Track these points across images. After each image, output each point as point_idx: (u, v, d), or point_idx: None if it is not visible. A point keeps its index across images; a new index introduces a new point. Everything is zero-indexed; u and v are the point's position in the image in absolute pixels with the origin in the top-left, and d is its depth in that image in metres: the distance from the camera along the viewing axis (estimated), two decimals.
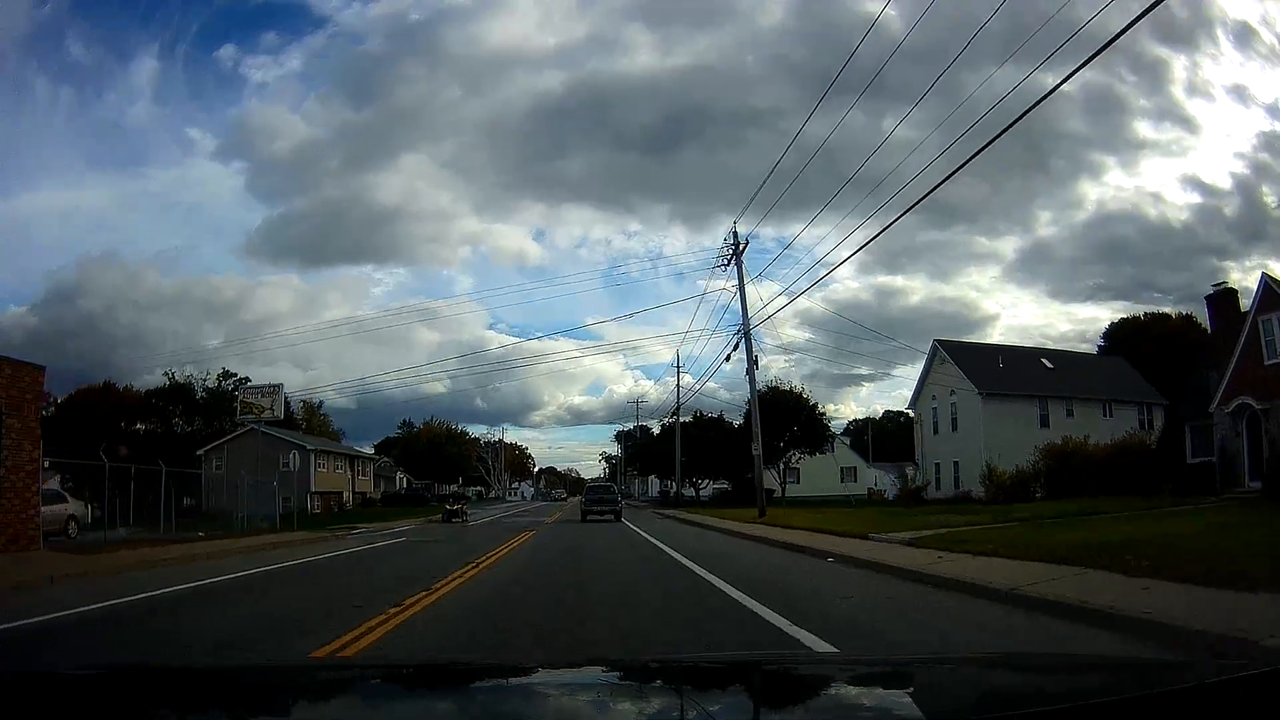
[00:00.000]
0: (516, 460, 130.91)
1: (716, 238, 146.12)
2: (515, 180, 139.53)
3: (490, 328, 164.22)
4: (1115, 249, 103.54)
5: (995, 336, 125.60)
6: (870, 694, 2.42)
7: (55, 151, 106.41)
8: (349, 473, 57.87)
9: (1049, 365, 56.48)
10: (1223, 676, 1.95)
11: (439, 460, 71.24)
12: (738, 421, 64.40)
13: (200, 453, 60.08)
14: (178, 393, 66.64)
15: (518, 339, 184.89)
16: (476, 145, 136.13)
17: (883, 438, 79.94)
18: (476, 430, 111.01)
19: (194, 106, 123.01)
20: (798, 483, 72.24)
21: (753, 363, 30.08)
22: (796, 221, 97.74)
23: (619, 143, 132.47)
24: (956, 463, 49.96)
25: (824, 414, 55.72)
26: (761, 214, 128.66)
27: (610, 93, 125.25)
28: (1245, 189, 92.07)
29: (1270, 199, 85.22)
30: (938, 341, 52.10)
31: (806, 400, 53.59)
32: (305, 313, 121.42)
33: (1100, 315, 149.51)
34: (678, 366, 55.75)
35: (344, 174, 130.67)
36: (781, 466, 56.60)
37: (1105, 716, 1.73)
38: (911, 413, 55.47)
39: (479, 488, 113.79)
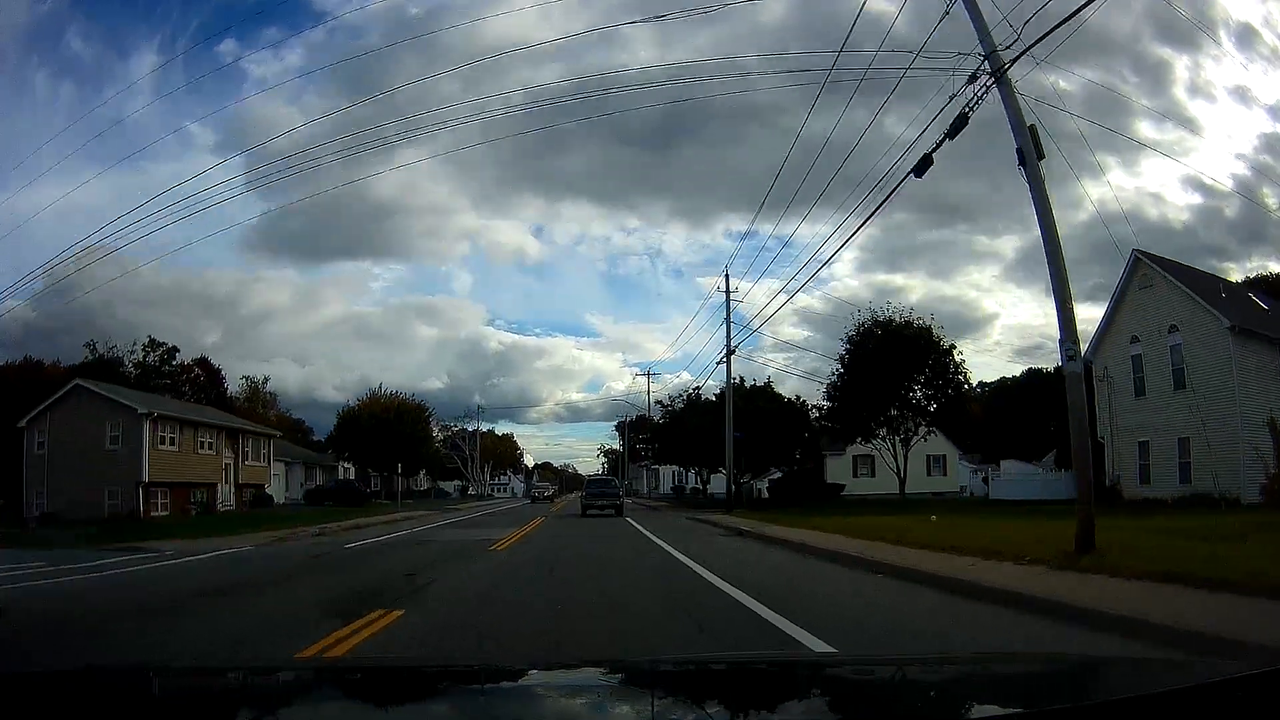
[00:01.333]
0: (503, 452, 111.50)
1: (716, 234, 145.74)
2: (513, 175, 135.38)
3: (489, 324, 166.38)
4: (1114, 249, 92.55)
5: (995, 336, 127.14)
6: (872, 693, 2.35)
7: (54, 147, 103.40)
8: (228, 455, 38.54)
9: (1264, 306, 37.59)
10: (1222, 676, 1.91)
11: (388, 443, 52.12)
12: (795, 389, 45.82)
13: (22, 424, 41.30)
14: (102, 367, 57.03)
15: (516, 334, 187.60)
16: (474, 140, 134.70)
17: None
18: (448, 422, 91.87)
19: (193, 101, 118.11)
20: (872, 475, 53.32)
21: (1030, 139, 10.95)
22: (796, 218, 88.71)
23: (618, 138, 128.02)
24: (1184, 440, 30.94)
25: (962, 360, 35.99)
26: (761, 212, 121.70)
27: (609, 87, 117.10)
28: (1246, 190, 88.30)
29: (1271, 200, 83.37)
30: (1140, 253, 32.98)
31: (938, 339, 34.34)
32: (302, 308, 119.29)
33: (1098, 315, 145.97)
34: (727, 288, 35.94)
35: (342, 168, 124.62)
36: (896, 441, 36.64)
37: (1105, 716, 1.71)
38: (1093, 367, 36.28)
39: (458, 482, 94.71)
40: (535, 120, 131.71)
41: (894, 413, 34.76)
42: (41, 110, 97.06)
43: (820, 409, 37.05)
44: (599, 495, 36.36)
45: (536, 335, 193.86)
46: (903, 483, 36.71)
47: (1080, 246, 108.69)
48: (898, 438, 35.85)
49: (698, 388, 48.23)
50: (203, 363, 73.29)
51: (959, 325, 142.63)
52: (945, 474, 54.42)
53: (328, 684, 2.54)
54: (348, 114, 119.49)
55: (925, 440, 40.87)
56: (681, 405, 48.38)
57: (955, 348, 34.97)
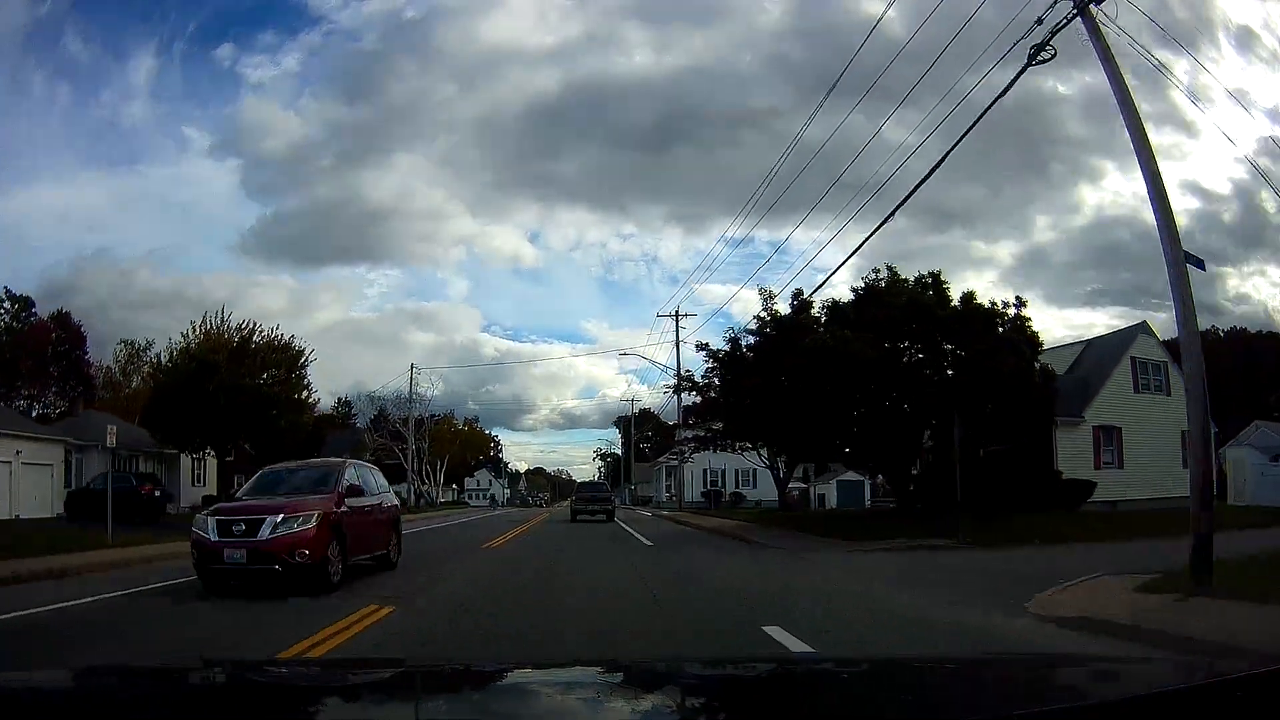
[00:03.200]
0: (468, 441, 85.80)
1: (712, 240, 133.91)
2: (509, 180, 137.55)
3: (485, 330, 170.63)
4: (1113, 254, 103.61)
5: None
6: (864, 694, 2.27)
7: (51, 149, 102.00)
8: None
9: None
10: (1223, 677, 1.89)
11: (217, 404, 28.05)
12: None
13: None
14: None
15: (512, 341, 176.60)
16: (470, 144, 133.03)
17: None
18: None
19: (190, 104, 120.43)
20: (1119, 464, 30.09)
21: None
22: (791, 225, 69.60)
23: (614, 143, 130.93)
24: None
25: None
26: (760, 216, 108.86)
27: (605, 92, 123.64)
28: (1244, 194, 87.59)
29: (1269, 205, 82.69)
30: None
31: None
32: (297, 313, 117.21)
33: (1097, 320, 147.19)
34: None
35: (337, 172, 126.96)
36: None
37: (1105, 716, 1.68)
38: None
39: (417, 486, 68.45)
40: (531, 124, 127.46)
41: None
42: (39, 111, 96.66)
43: None
44: (591, 500, 37.15)
45: (532, 341, 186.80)
46: None
47: (1078, 251, 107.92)
48: None
49: (803, 295, 24.75)
50: (61, 320, 61.32)
51: None
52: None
53: (318, 682, 2.51)
54: (344, 118, 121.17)
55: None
56: (770, 328, 24.88)
57: None
